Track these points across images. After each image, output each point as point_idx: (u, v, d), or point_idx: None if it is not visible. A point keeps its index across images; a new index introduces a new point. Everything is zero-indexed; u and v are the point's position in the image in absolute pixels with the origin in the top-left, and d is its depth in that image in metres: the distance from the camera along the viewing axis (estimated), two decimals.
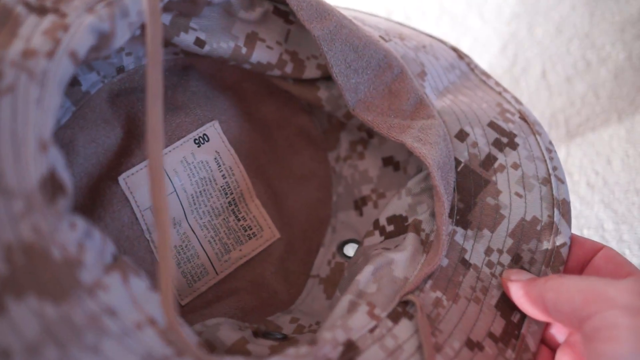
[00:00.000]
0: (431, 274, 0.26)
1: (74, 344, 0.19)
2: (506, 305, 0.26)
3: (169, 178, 0.35)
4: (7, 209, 0.19)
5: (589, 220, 0.48)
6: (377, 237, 0.32)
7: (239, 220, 0.36)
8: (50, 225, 0.19)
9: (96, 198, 0.33)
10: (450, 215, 0.28)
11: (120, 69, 0.32)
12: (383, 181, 0.36)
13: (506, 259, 0.28)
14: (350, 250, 0.36)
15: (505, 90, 0.34)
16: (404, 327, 0.25)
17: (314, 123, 0.39)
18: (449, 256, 0.27)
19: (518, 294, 0.26)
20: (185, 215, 0.35)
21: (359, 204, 0.37)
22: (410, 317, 0.25)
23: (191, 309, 0.34)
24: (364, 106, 0.31)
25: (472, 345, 0.25)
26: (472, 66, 0.35)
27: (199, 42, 0.30)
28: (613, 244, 0.47)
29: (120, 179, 0.33)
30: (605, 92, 0.52)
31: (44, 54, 0.21)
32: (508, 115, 0.32)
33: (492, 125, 0.31)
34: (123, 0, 0.23)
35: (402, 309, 0.25)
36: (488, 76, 0.35)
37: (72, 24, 0.22)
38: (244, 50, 0.31)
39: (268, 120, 0.38)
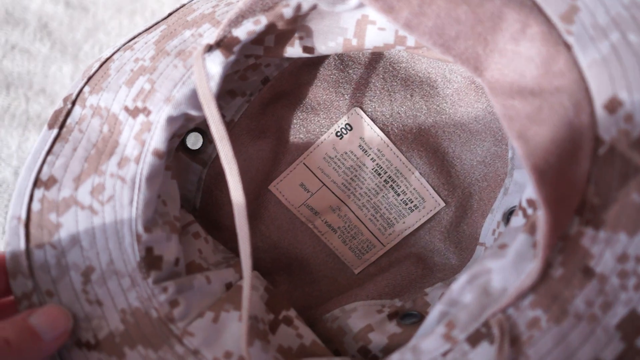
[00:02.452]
0: (534, 287, 0.22)
1: None
2: (632, 325, 0.22)
3: (315, 175, 0.34)
4: (120, 285, 0.25)
5: None
6: (520, 219, 0.27)
7: (398, 195, 0.35)
8: (147, 293, 0.26)
9: (255, 204, 0.35)
10: (580, 213, 0.22)
11: (265, 80, 0.32)
12: None
13: None
14: (515, 219, 0.32)
15: None
16: (482, 352, 0.23)
17: None
18: (565, 264, 0.22)
19: None
20: (342, 200, 0.35)
21: None
22: (493, 340, 0.23)
23: (365, 276, 0.36)
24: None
25: None
26: None
27: (308, 50, 0.28)
28: None
29: (271, 187, 0.35)
30: None
31: (134, 160, 0.26)
32: None
33: None
34: (191, 78, 0.26)
35: (487, 330, 0.23)
36: None
37: (153, 122, 0.26)
38: (354, 41, 0.27)
39: (431, 77, 0.34)
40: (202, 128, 0.32)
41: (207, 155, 0.33)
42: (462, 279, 0.24)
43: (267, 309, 0.29)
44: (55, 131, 0.27)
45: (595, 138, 0.22)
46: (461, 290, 0.23)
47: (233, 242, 0.35)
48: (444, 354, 0.23)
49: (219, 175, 0.34)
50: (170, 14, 0.30)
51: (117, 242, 0.25)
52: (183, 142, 0.32)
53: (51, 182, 0.26)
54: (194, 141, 0.33)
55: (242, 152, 0.34)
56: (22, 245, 0.25)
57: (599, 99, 0.22)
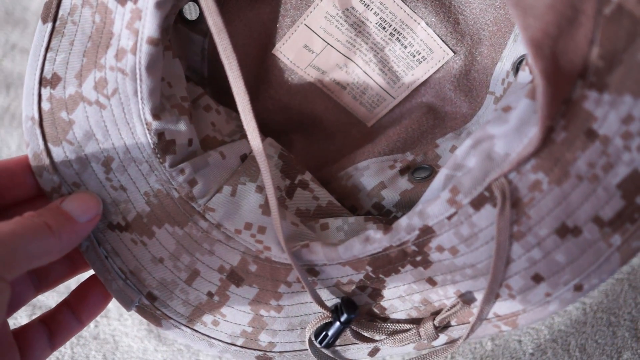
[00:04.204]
0: (536, 152, 0.23)
1: (197, 251, 0.27)
2: (633, 184, 0.22)
3: (318, 35, 0.33)
4: (139, 171, 0.27)
5: None
6: (527, 75, 0.26)
7: (405, 47, 0.34)
8: (166, 176, 0.27)
9: (261, 69, 0.35)
10: (582, 76, 0.22)
11: None
12: None
13: None
14: (522, 74, 0.31)
15: None
16: (485, 215, 0.24)
17: None
18: (568, 127, 0.22)
19: None
20: (348, 57, 0.34)
21: None
22: (495, 203, 0.24)
23: (378, 128, 0.37)
24: None
25: (566, 231, 0.23)
26: None
27: None
28: None
29: (275, 51, 0.34)
30: None
31: (130, 51, 0.26)
32: None
33: None
34: None
35: (490, 194, 0.23)
36: None
37: (142, 9, 0.25)
38: None
39: None
40: None
41: (206, 25, 0.32)
42: (466, 143, 0.24)
43: (282, 175, 0.31)
44: (49, 25, 0.27)
45: None
46: (465, 154, 0.24)
47: None
48: (449, 218, 0.24)
49: None
50: None
51: (130, 132, 0.26)
52: (181, 14, 0.31)
53: (55, 80, 0.26)
54: (190, 11, 0.32)
55: (242, 17, 0.33)
56: (40, 144, 0.26)
57: None
